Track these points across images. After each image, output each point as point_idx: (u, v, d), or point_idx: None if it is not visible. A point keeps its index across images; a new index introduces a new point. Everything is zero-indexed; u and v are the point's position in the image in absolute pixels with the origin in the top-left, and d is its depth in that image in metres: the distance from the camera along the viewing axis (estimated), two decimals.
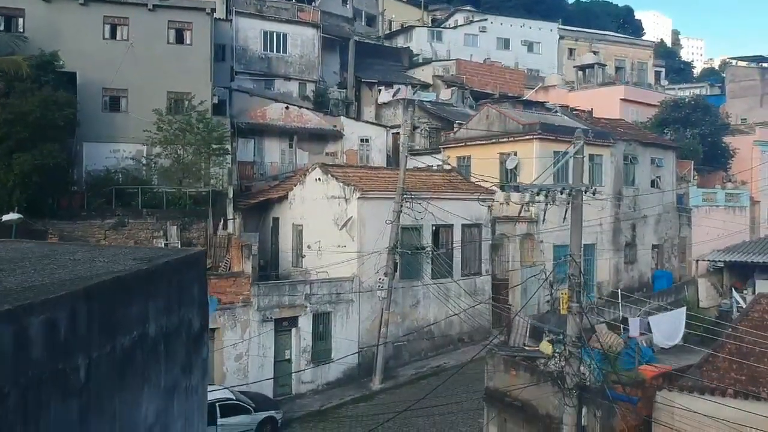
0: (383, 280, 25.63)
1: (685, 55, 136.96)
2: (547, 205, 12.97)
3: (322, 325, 25.89)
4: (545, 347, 19.87)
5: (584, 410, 14.31)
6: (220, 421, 20.00)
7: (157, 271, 5.62)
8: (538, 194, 12.40)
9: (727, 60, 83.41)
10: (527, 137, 31.89)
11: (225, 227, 29.85)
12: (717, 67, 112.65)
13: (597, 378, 15.23)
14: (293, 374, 24.99)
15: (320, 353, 25.74)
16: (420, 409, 19.34)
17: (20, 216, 23.48)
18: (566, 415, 14.30)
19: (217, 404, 20.02)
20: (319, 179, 28.39)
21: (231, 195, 30.55)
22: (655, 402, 13.98)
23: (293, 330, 25.19)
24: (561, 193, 12.58)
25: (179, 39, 31.58)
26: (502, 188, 13.03)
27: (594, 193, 13.11)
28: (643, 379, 16.04)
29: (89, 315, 3.62)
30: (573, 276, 13.68)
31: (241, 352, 23.72)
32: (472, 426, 22.70)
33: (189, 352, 5.51)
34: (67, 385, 3.54)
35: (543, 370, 16.59)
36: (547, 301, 14.10)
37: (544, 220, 13.06)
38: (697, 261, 28.46)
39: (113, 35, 30.81)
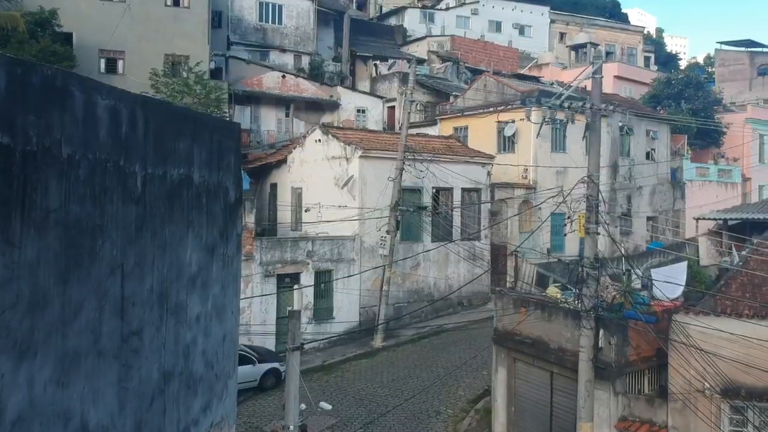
0: (385, 237, 25.56)
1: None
2: (568, 121, 12.94)
3: (323, 283, 25.76)
4: (553, 292, 19.92)
5: (601, 332, 14.30)
6: None
7: (202, 118, 5.73)
8: (560, 107, 12.38)
9: (712, 53, 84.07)
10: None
11: None
12: (702, 62, 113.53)
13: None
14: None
15: (322, 311, 25.62)
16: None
17: None
18: (583, 337, 14.30)
19: None
20: (320, 140, 28.23)
21: None
22: (673, 322, 13.99)
23: (295, 287, 25.04)
24: (583, 106, 12.58)
25: (176, 1, 31.28)
26: (523, 103, 12.96)
27: (614, 110, 13.10)
28: (656, 311, 16.08)
29: (145, 124, 3.64)
30: (591, 197, 13.68)
31: (243, 307, 23.47)
32: (476, 378, 22.68)
33: (226, 220, 5.46)
34: (126, 187, 3.51)
35: (555, 304, 16.59)
36: (564, 224, 14.08)
37: (564, 133, 12.99)
38: (697, 220, 28.74)
39: None
